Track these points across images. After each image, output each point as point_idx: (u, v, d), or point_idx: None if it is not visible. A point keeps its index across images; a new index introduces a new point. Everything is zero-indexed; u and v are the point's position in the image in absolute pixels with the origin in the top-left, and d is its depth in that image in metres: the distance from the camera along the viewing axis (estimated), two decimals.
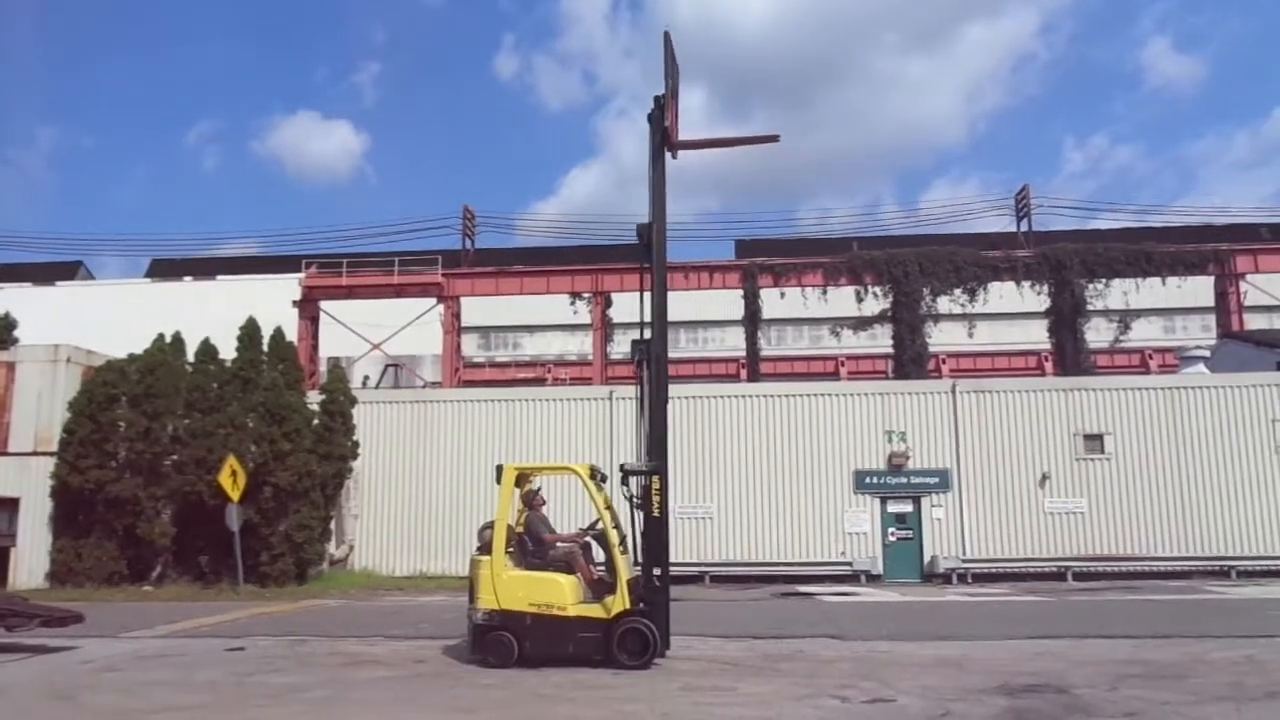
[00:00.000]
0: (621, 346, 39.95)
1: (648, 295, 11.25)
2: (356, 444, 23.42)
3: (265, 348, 22.95)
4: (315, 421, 22.45)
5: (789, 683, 9.27)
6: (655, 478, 10.58)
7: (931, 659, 10.63)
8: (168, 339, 22.84)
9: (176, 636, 13.69)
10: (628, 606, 10.26)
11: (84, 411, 21.16)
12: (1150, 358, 42.25)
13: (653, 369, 10.91)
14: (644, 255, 11.30)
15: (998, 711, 7.83)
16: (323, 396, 23.28)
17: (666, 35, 11.35)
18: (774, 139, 12.43)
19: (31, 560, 21.41)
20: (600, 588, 10.64)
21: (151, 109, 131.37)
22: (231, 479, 20.01)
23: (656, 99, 11.37)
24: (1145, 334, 44.17)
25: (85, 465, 20.80)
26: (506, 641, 10.35)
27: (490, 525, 10.83)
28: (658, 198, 11.21)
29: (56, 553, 21.22)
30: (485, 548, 10.77)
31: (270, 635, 13.47)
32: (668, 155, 11.45)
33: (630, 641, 10.18)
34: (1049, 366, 39.28)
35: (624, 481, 10.82)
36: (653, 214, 11.23)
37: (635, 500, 10.74)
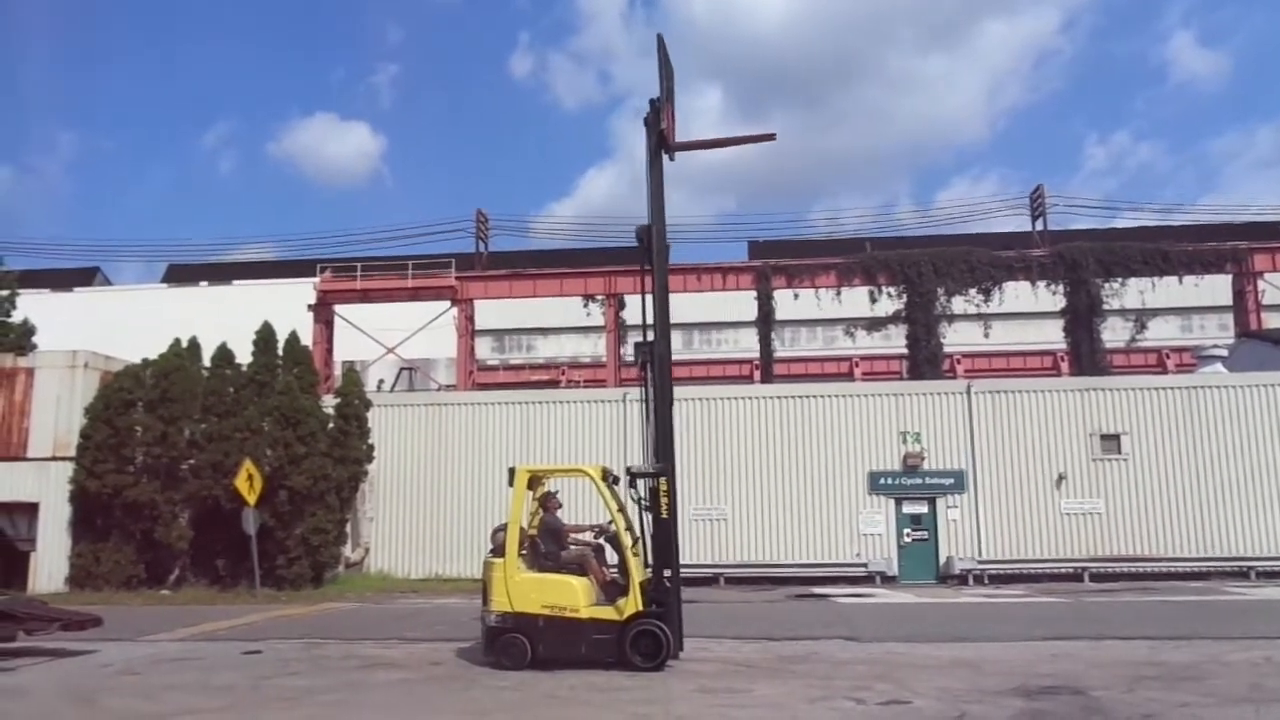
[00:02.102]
0: None
1: (649, 297, 11.23)
2: (371, 447, 23.52)
3: (280, 352, 23.07)
4: (330, 425, 22.56)
5: (804, 684, 9.25)
6: (662, 479, 10.58)
7: (947, 660, 10.58)
8: (184, 344, 23.01)
9: (194, 640, 13.78)
10: (640, 608, 10.27)
11: (101, 416, 21.34)
12: (1167, 357, 41.96)
13: (656, 370, 10.92)
14: (644, 257, 11.32)
15: (1014, 713, 7.78)
16: (338, 400, 23.39)
17: (660, 38, 11.36)
18: (770, 137, 12.40)
19: (51, 564, 21.60)
20: (613, 590, 10.65)
21: (168, 112, 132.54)
22: (248, 483, 20.13)
23: (652, 102, 11.38)
24: (1162, 333, 43.85)
25: (103, 470, 20.98)
26: (520, 644, 10.38)
27: (504, 528, 10.86)
28: (656, 200, 11.23)
29: (75, 557, 21.40)
30: (498, 550, 10.79)
31: (287, 638, 13.55)
32: (665, 158, 11.45)
33: (643, 643, 10.18)
34: (1065, 366, 39.04)
35: (632, 484, 10.83)
36: (651, 216, 11.24)
37: (644, 502, 10.75)
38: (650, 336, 11.15)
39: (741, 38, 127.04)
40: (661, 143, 11.26)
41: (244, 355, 23.17)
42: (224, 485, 20.80)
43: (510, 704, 8.79)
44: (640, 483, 10.75)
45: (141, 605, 19.26)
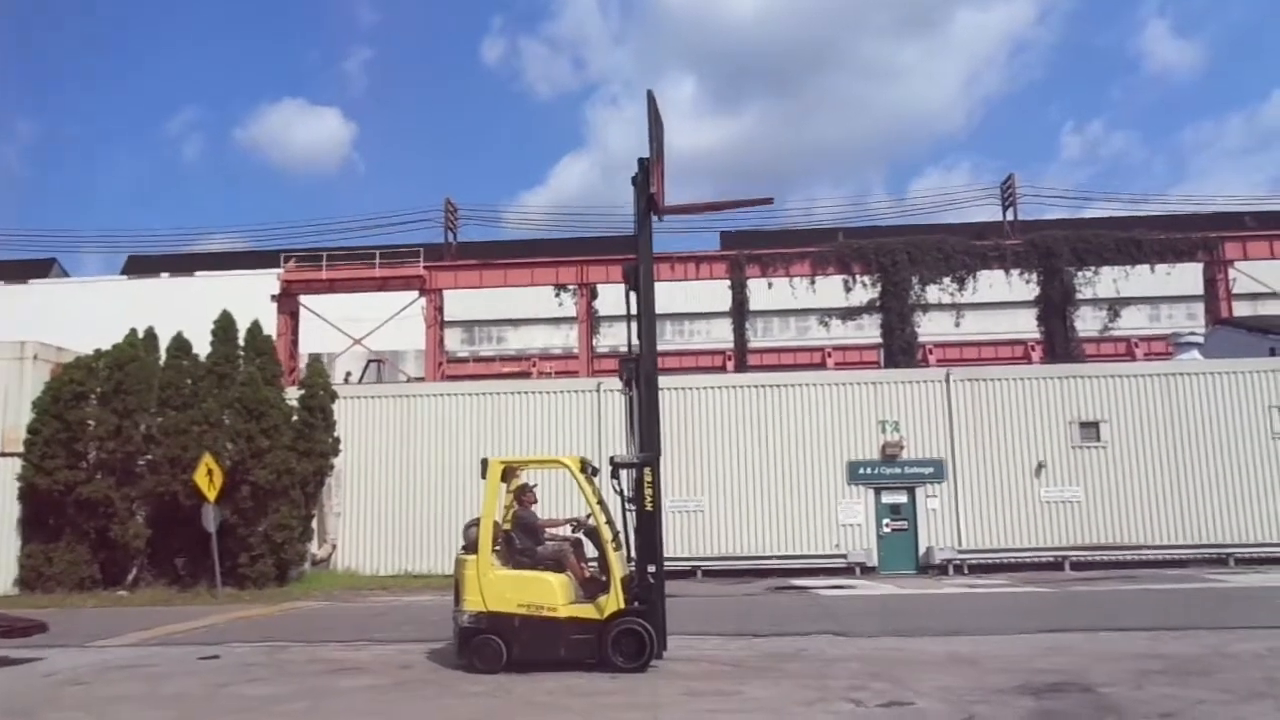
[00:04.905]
0: (607, 339, 39.41)
1: (636, 318, 10.69)
2: (337, 440, 22.74)
3: (241, 342, 22.22)
4: (294, 418, 21.76)
5: (797, 685, 8.75)
6: (647, 470, 10.03)
7: (943, 656, 10.13)
8: (140, 334, 22.07)
9: (148, 644, 13.03)
10: (622, 606, 9.73)
11: (50, 410, 20.32)
12: (1136, 346, 42.03)
13: (643, 387, 10.36)
14: (629, 287, 10.74)
15: (1025, 714, 7.33)
16: (302, 392, 22.58)
17: (650, 95, 10.65)
18: (768, 201, 11.96)
19: None
20: (593, 587, 10.12)
21: (130, 96, 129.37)
22: (207, 478, 19.28)
23: (641, 161, 10.68)
24: (1131, 322, 44.01)
25: (53, 466, 19.98)
26: (494, 645, 9.78)
27: (476, 522, 10.26)
28: (645, 260, 10.62)
29: (25, 558, 20.40)
30: (471, 546, 10.19)
31: (247, 641, 12.84)
32: (654, 218, 10.85)
33: (625, 643, 9.64)
34: (1035, 356, 39.01)
35: (614, 475, 10.26)
36: (642, 275, 10.58)
37: (626, 495, 10.19)
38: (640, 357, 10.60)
39: (716, 25, 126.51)
40: (651, 205, 10.68)
41: (206, 348, 22.27)
42: (183, 481, 19.94)
43: (484, 711, 8.22)
44: (623, 474, 10.18)
45: (96, 607, 18.45)
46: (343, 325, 37.67)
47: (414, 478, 23.68)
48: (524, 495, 10.64)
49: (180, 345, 21.99)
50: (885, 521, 23.17)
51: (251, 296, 34.70)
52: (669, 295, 43.25)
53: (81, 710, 8.54)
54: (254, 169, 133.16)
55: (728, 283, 37.04)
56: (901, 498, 23.28)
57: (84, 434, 20.36)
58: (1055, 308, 35.73)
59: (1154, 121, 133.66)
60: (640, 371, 10.42)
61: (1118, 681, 8.40)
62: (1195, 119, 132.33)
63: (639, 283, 10.63)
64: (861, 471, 23.32)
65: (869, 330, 38.46)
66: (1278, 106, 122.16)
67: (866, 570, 22.49)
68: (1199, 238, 36.34)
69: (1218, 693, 7.85)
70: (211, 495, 19.32)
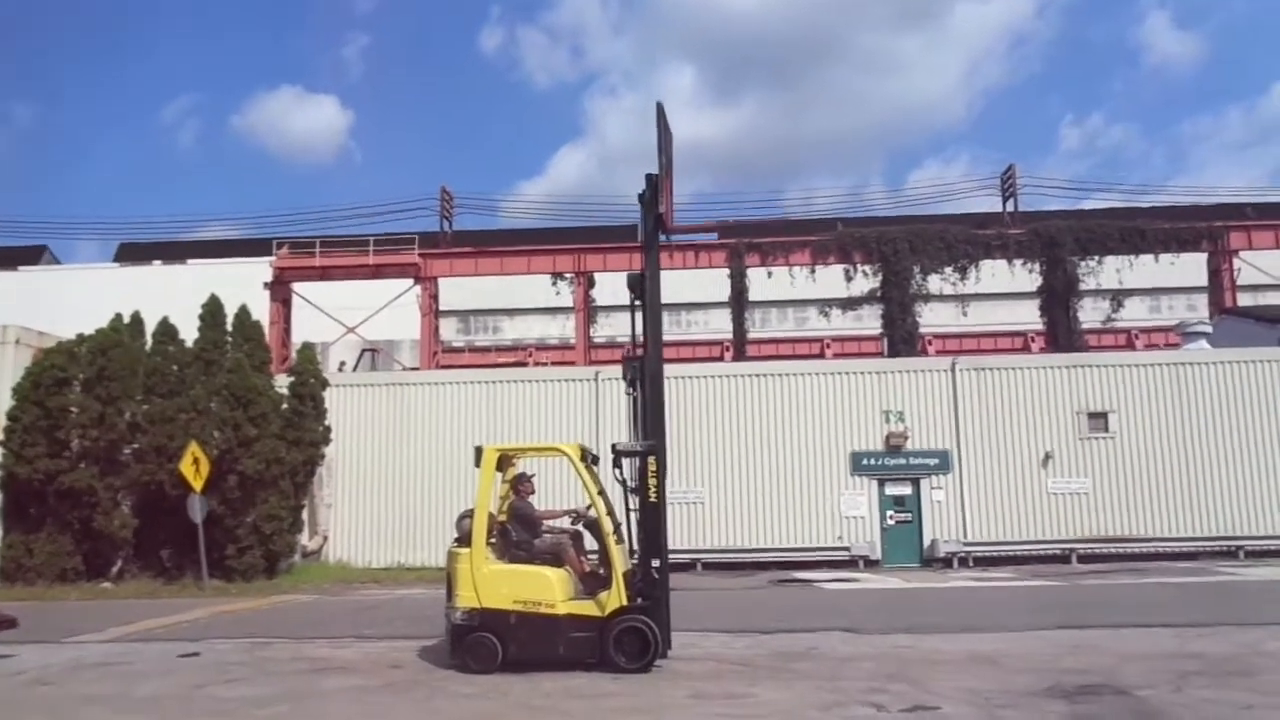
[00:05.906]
0: (605, 329, 38.82)
1: (640, 313, 10.19)
2: (329, 429, 22.17)
3: (230, 327, 21.63)
4: (284, 406, 21.20)
5: (811, 686, 8.22)
6: (651, 458, 9.48)
7: (962, 655, 9.61)
8: (126, 319, 21.43)
9: (126, 640, 12.47)
10: (624, 603, 9.19)
11: (30, 396, 19.65)
12: (1136, 338, 41.53)
13: (648, 389, 9.82)
14: (635, 298, 10.20)
15: (1059, 719, 6.83)
16: (292, 379, 22.00)
17: (659, 107, 10.05)
18: (780, 223, 11.32)
19: None
20: (593, 582, 9.57)
21: (126, 83, 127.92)
22: (193, 467, 18.71)
23: (649, 178, 10.11)
24: (1132, 314, 43.44)
25: (33, 454, 19.34)
26: (489, 644, 9.24)
27: (469, 514, 9.69)
28: (652, 278, 10.06)
29: (6, 548, 19.80)
30: (464, 539, 9.62)
31: (230, 638, 12.28)
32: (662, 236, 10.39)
33: (628, 642, 9.10)
34: (1036, 347, 38.49)
35: (616, 464, 9.71)
36: (648, 293, 10.03)
37: (629, 485, 9.65)
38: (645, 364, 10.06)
39: (716, 15, 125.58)
40: (659, 224, 10.15)
41: (196, 335, 21.64)
42: (169, 470, 19.36)
43: (478, 714, 7.71)
44: (625, 463, 9.63)
45: (78, 600, 17.89)
46: (336, 314, 37.06)
47: (408, 468, 23.14)
48: (521, 485, 10.09)
49: (166, 331, 21.38)
50: (889, 513, 22.69)
51: (245, 285, 33.90)
52: (667, 285, 42.60)
53: (46, 714, 7.98)
54: (250, 157, 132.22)
55: (727, 272, 36.43)
56: (906, 489, 22.81)
57: (66, 421, 19.73)
58: (1058, 298, 35.23)
59: (1153, 114, 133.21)
60: (645, 372, 9.89)
61: (1154, 683, 7.89)
62: (1195, 112, 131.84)
63: (644, 295, 10.11)
64: (865, 462, 22.83)
65: (869, 321, 37.94)
66: (1278, 99, 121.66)
67: (870, 563, 22.03)
68: (1204, 227, 35.87)
69: (1264, 696, 7.35)
70: (198, 485, 18.77)
